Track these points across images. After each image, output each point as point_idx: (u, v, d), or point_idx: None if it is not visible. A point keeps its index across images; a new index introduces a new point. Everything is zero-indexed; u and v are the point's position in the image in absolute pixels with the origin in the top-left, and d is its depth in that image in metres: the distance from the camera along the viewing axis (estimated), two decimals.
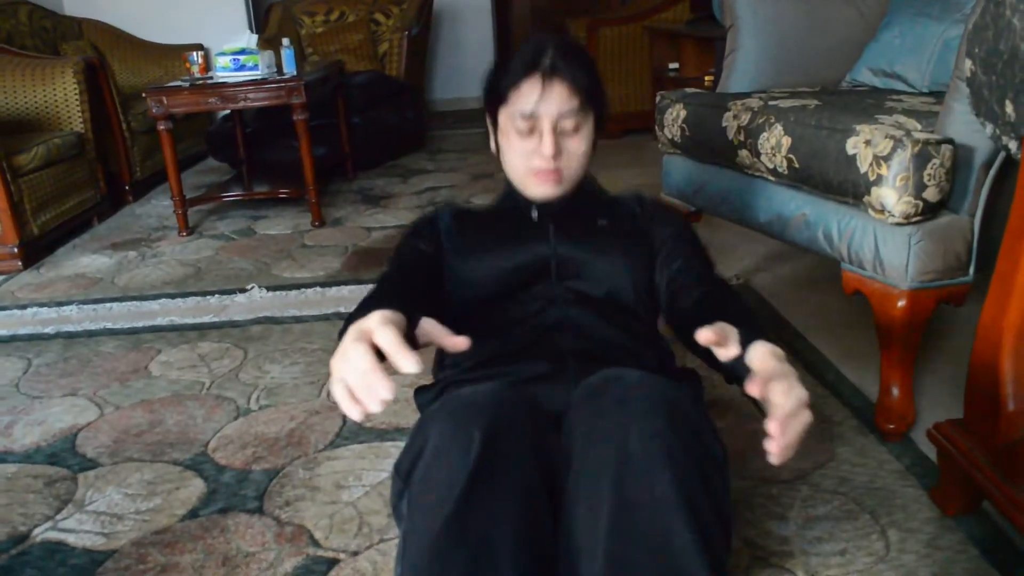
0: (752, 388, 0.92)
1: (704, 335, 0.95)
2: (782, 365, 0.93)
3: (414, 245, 1.39)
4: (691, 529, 0.93)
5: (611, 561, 0.93)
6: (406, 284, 1.30)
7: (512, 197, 1.42)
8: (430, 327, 1.08)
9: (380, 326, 0.94)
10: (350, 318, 1.08)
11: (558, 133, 1.29)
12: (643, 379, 1.06)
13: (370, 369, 0.89)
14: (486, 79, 1.38)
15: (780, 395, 0.89)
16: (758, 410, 0.92)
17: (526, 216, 1.39)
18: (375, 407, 0.89)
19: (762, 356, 0.95)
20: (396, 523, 1.12)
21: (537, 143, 1.30)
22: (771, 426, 0.87)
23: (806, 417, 0.89)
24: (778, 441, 0.87)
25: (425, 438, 1.04)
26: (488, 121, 1.41)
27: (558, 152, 1.29)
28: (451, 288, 1.37)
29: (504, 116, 1.33)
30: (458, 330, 1.31)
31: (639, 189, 1.53)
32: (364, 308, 1.10)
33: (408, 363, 0.90)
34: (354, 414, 0.90)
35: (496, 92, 1.34)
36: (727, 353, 0.97)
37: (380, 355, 0.93)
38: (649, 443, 0.97)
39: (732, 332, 0.98)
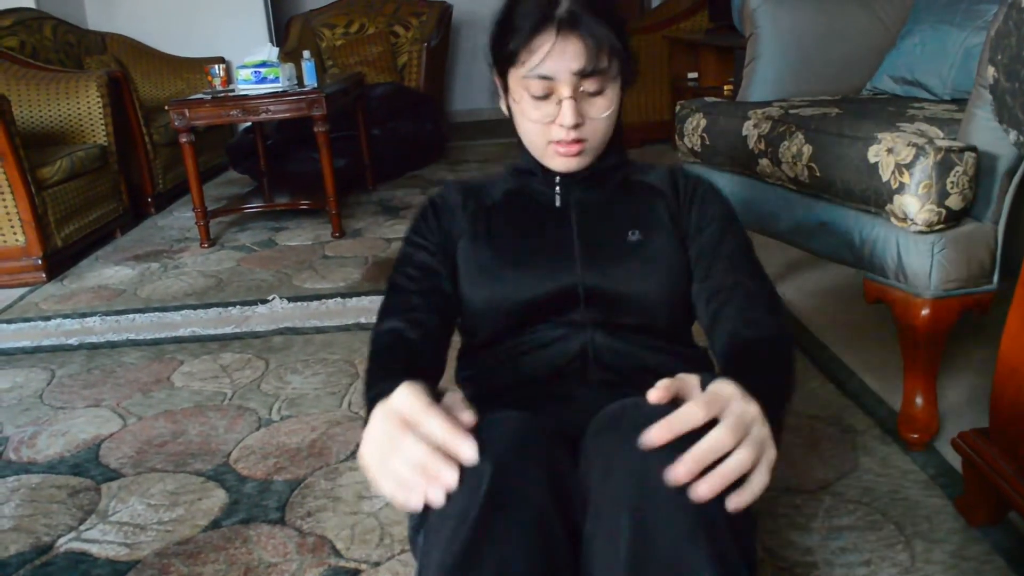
0: (653, 394, 0.90)
1: (654, 395, 0.91)
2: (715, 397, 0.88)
3: (417, 261, 1.25)
4: (710, 559, 0.89)
5: None
6: (420, 333, 1.16)
7: (531, 173, 1.26)
8: (450, 401, 0.97)
9: (424, 413, 0.88)
10: (369, 385, 1.04)
11: (579, 96, 1.12)
12: (662, 407, 0.95)
13: (429, 455, 0.86)
14: (491, 32, 1.17)
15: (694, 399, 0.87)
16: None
17: (548, 205, 1.25)
18: (440, 497, 0.87)
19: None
20: (413, 555, 1.08)
21: (555, 109, 1.13)
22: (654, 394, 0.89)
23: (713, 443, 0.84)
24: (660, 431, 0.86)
25: None
26: (495, 79, 1.21)
27: (580, 120, 1.13)
28: (464, 310, 1.26)
29: (514, 78, 1.15)
30: (471, 348, 1.27)
31: (676, 164, 1.35)
32: (381, 372, 1.06)
33: (469, 451, 0.88)
34: (415, 503, 0.87)
35: (504, 50, 1.14)
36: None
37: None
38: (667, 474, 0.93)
39: (691, 384, 0.94)
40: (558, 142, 1.15)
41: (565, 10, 1.09)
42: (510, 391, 1.19)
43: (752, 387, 0.91)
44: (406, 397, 0.89)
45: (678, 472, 0.84)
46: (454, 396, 0.96)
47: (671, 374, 1.05)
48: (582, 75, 1.10)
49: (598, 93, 1.13)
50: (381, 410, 0.90)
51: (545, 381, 1.20)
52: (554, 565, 0.94)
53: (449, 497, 0.91)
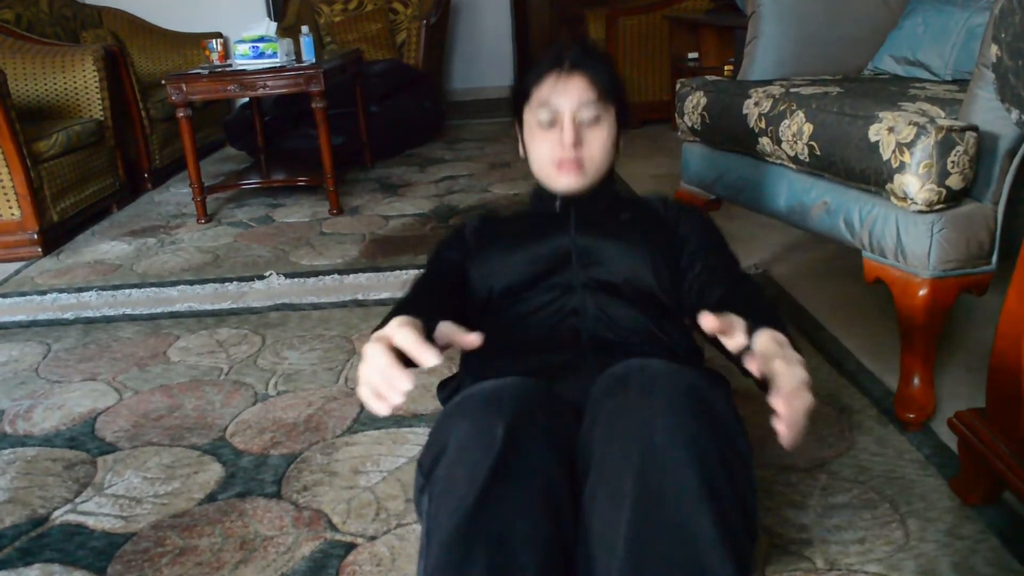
0: (751, 364, 0.96)
1: (707, 321, 0.97)
2: (783, 348, 0.95)
3: (441, 255, 1.45)
4: (714, 522, 0.91)
5: (632, 552, 0.91)
6: (427, 293, 1.34)
7: (538, 196, 1.46)
8: (446, 328, 1.10)
9: (397, 329, 1.01)
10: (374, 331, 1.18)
11: (578, 123, 1.33)
12: (668, 369, 1.03)
13: (388, 364, 0.97)
14: (513, 86, 1.47)
15: (781, 371, 0.91)
16: (762, 390, 0.94)
17: (550, 211, 1.42)
18: (397, 399, 0.96)
19: (764, 340, 0.97)
20: (418, 518, 1.11)
21: (559, 134, 1.33)
22: (776, 402, 0.88)
23: (808, 398, 0.90)
24: (784, 417, 0.88)
25: (448, 435, 1.03)
26: (516, 129, 1.46)
27: (578, 141, 1.33)
28: (475, 286, 1.39)
29: (528, 113, 1.38)
30: (480, 325, 1.31)
31: (662, 193, 1.56)
32: (385, 321, 1.16)
33: (429, 356, 0.98)
34: (380, 409, 0.96)
35: (521, 92, 1.40)
36: (734, 343, 0.99)
37: (405, 360, 1.00)
38: (673, 436, 0.95)
39: (738, 322, 1.01)
40: (560, 163, 1.35)
41: (569, 59, 1.35)
42: (511, 361, 1.25)
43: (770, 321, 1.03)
44: (392, 322, 1.03)
45: (787, 439, 0.89)
46: (451, 325, 1.10)
47: (661, 338, 1.30)
48: (581, 106, 1.33)
49: (595, 122, 1.35)
50: (372, 334, 1.04)
51: (543, 346, 1.28)
52: (558, 527, 0.97)
53: (458, 463, 0.98)
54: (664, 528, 0.91)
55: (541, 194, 1.45)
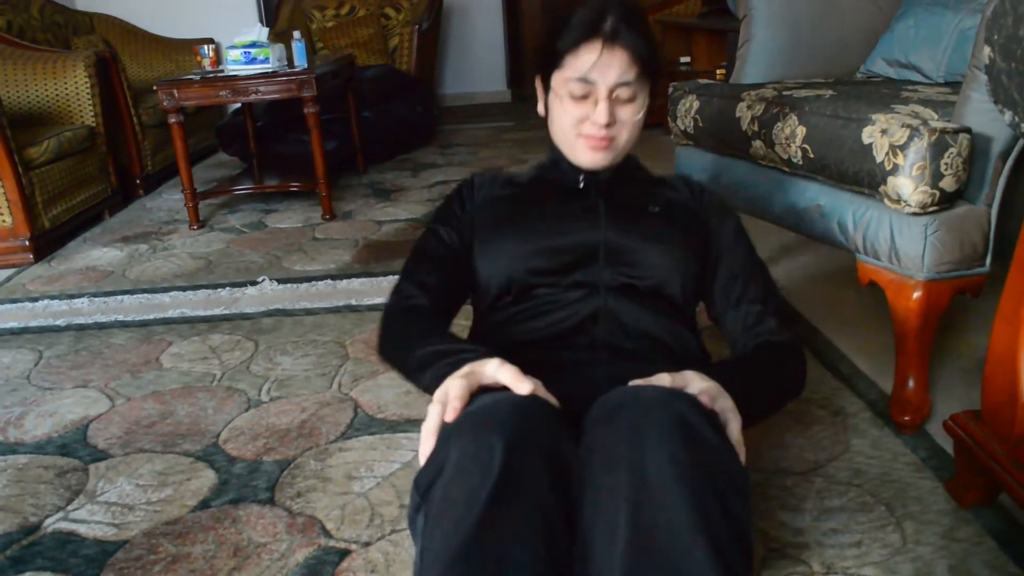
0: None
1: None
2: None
3: (439, 236, 1.40)
4: (708, 556, 0.90)
5: None
6: (429, 300, 1.34)
7: (557, 164, 1.40)
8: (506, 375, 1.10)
9: (498, 370, 1.09)
10: (412, 343, 1.24)
11: (613, 101, 1.27)
12: (660, 398, 1.02)
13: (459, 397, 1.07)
14: (542, 38, 1.34)
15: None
16: None
17: (572, 187, 1.37)
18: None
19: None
20: (412, 536, 1.09)
21: (590, 108, 1.28)
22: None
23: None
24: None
25: (446, 455, 1.00)
26: (537, 82, 1.38)
27: (612, 120, 1.27)
28: (484, 272, 1.35)
29: (558, 79, 1.30)
30: (491, 308, 1.35)
31: (685, 175, 1.58)
32: (420, 339, 1.24)
33: (525, 387, 1.06)
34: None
35: (551, 54, 1.30)
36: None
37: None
38: (665, 468, 0.94)
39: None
40: (588, 136, 1.30)
41: (610, 26, 1.24)
42: (520, 354, 1.18)
43: (733, 381, 1.11)
44: (492, 363, 1.10)
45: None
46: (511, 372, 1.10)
47: (671, 349, 1.29)
48: (619, 84, 1.26)
49: (630, 100, 1.29)
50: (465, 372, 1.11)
51: (554, 344, 1.26)
52: (555, 555, 0.95)
53: (456, 484, 0.96)
54: (658, 563, 0.90)
55: (561, 163, 1.38)
